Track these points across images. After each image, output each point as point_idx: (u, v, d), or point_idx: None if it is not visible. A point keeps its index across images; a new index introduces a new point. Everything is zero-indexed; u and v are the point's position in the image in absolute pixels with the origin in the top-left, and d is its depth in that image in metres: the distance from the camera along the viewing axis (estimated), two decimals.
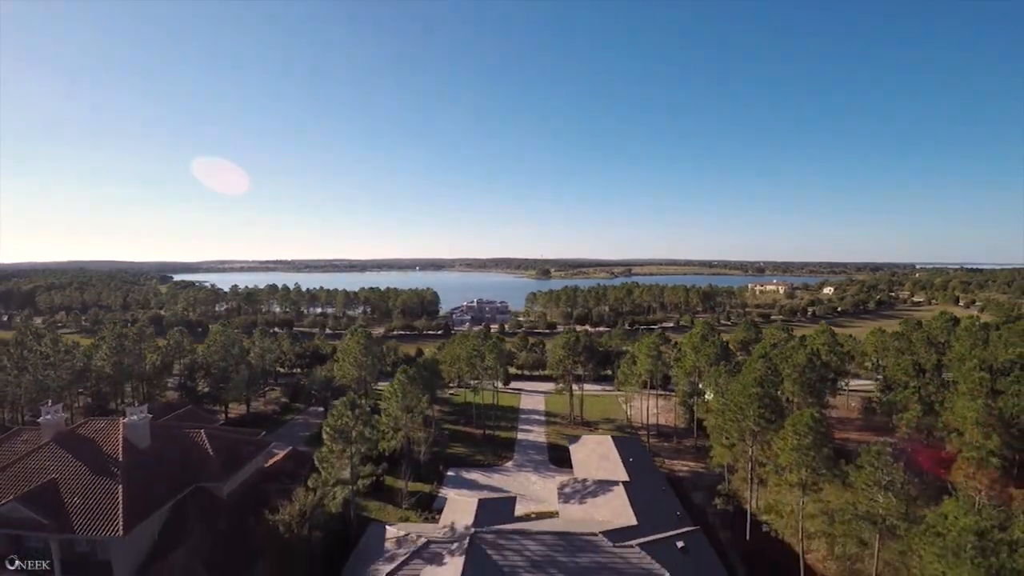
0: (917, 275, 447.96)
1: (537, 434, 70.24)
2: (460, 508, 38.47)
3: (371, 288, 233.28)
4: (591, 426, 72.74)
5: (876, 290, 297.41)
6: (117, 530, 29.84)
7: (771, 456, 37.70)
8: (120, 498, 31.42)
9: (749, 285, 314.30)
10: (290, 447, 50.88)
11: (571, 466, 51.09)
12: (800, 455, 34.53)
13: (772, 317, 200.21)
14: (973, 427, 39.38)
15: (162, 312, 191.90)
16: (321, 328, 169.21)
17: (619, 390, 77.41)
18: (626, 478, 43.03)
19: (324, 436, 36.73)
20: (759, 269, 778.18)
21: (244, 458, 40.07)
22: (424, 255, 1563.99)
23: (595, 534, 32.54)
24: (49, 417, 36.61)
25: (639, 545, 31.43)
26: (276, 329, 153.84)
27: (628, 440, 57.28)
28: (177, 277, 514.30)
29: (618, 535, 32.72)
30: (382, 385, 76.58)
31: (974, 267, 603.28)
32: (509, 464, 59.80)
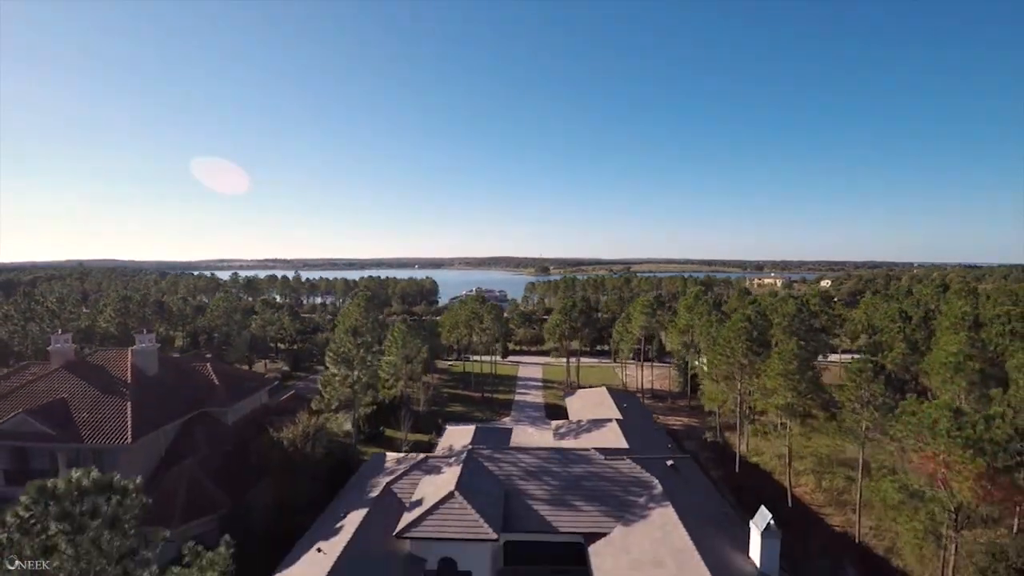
0: (915, 271, 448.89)
1: (535, 396, 71.42)
2: (458, 434, 39.73)
3: (370, 276, 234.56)
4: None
5: (873, 283, 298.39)
6: (125, 439, 30.97)
7: (759, 386, 38.88)
8: (128, 412, 32.56)
9: (747, 278, 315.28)
10: (292, 390, 52.04)
11: (567, 418, 52.16)
12: (785, 380, 35.74)
13: None
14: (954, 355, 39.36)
15: (163, 299, 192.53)
16: (321, 313, 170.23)
17: (615, 356, 78.47)
18: (619, 416, 44.13)
19: (327, 360, 37.76)
20: (758, 267, 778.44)
21: (248, 390, 41.26)
22: (424, 254, 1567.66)
23: (588, 450, 33.73)
24: (59, 345, 37.58)
25: (630, 459, 32.57)
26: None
27: (624, 394, 58.47)
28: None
29: (611, 453, 33.87)
30: None
31: (971, 265, 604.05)
32: (507, 420, 60.88)
